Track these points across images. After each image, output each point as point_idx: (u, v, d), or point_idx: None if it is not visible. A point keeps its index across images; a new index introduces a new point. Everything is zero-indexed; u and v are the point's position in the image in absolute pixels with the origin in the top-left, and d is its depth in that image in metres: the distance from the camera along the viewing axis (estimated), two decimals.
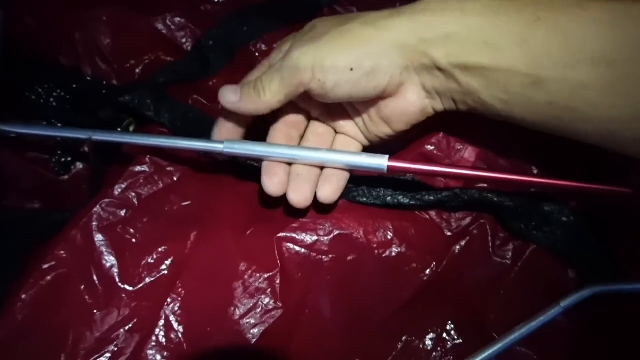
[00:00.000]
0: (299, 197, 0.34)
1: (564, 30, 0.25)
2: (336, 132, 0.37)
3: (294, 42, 0.32)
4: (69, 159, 0.44)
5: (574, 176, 0.32)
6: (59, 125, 0.42)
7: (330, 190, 0.35)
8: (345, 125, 0.36)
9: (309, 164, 0.35)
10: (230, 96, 0.33)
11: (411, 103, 0.32)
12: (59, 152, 0.43)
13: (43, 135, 0.37)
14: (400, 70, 0.30)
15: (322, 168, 0.35)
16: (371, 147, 0.37)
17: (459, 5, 0.28)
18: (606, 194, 0.32)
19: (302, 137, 0.37)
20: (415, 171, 0.33)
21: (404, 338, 0.36)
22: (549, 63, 0.26)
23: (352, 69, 0.29)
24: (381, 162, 0.33)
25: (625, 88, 0.25)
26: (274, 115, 0.36)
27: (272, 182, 0.34)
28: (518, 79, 0.27)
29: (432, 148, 0.38)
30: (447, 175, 0.34)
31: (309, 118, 0.37)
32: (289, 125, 0.36)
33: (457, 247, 0.37)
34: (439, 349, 0.36)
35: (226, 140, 0.34)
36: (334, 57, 0.30)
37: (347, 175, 0.36)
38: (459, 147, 0.37)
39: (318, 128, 0.37)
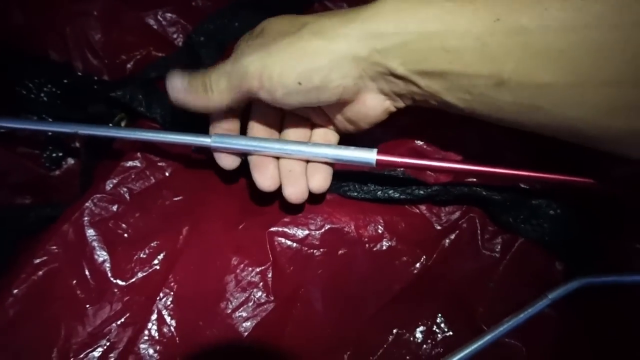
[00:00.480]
0: (297, 193, 0.34)
1: (524, 29, 0.25)
2: (312, 123, 0.36)
3: (245, 45, 0.31)
4: (60, 154, 0.44)
5: (561, 167, 0.32)
6: (49, 120, 0.41)
7: (320, 179, 0.34)
8: (317, 118, 0.35)
9: (298, 158, 0.35)
10: (177, 83, 0.32)
11: (371, 107, 0.32)
12: (50, 147, 0.43)
13: (29, 129, 0.37)
14: (353, 80, 0.29)
15: (307, 161, 0.35)
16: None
17: (413, 10, 0.27)
18: (569, 184, 0.33)
19: (281, 129, 0.37)
20: (404, 165, 0.33)
21: (394, 330, 0.37)
22: (511, 64, 0.25)
23: (300, 83, 0.29)
24: (370, 155, 0.33)
25: (589, 87, 0.24)
26: (249, 109, 0.36)
27: (265, 177, 0.34)
28: (480, 81, 0.26)
29: (422, 143, 0.38)
30: (436, 169, 0.35)
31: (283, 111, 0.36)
32: (266, 118, 0.36)
33: (447, 240, 0.38)
34: (429, 341, 0.37)
35: (214, 135, 0.34)
36: (281, 69, 0.28)
37: (331, 166, 0.36)
38: (447, 143, 0.38)
39: (294, 119, 0.36)
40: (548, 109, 0.26)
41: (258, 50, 0.29)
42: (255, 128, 0.35)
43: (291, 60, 0.28)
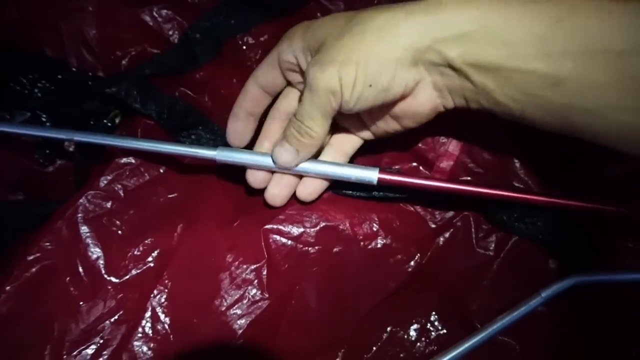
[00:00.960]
0: (276, 198, 0.35)
1: (586, 31, 0.25)
2: (337, 125, 0.36)
3: (312, 63, 0.30)
4: (54, 151, 0.43)
5: (555, 168, 0.32)
6: (44, 116, 0.41)
7: (312, 189, 0.36)
8: (349, 119, 0.35)
9: (300, 175, 0.35)
10: (287, 157, 0.33)
11: (422, 103, 0.32)
12: (44, 145, 0.43)
13: (24, 134, 0.37)
14: (412, 74, 0.29)
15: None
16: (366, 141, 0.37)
17: (476, 3, 0.27)
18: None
19: None
20: (405, 184, 0.34)
21: (388, 328, 0.37)
22: (570, 64, 0.25)
23: (370, 85, 0.29)
24: (372, 175, 0.33)
25: None
26: (272, 105, 0.36)
27: (255, 179, 0.35)
28: (537, 80, 0.26)
29: (418, 142, 0.38)
30: (435, 190, 0.34)
31: None
32: (285, 113, 0.36)
33: (441, 238, 0.38)
34: (423, 338, 0.37)
35: (219, 148, 0.34)
36: (353, 76, 0.29)
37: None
38: (443, 140, 0.38)
39: None
40: (600, 113, 0.26)
41: (329, 65, 0.29)
42: (271, 130, 0.36)
43: (361, 64, 0.28)
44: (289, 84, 0.36)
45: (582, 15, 0.25)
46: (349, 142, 0.37)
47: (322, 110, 0.31)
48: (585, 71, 0.25)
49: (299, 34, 0.33)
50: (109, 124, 0.41)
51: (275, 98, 0.37)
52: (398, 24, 0.28)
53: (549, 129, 0.29)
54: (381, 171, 0.34)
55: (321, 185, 0.36)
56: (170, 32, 0.44)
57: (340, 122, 0.36)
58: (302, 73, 0.33)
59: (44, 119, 0.41)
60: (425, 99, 0.31)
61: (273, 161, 0.33)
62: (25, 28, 0.41)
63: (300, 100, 0.32)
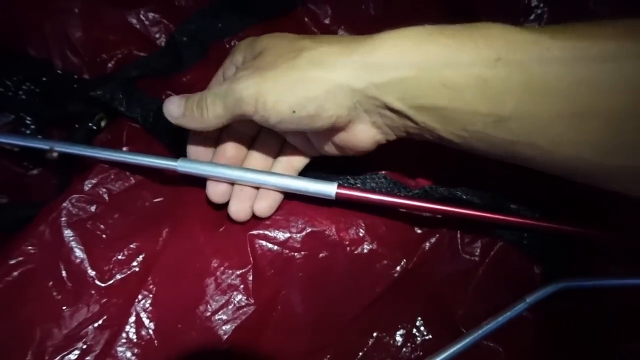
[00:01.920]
0: (240, 211, 0.36)
1: (526, 69, 0.25)
2: (285, 141, 0.36)
3: (241, 67, 0.31)
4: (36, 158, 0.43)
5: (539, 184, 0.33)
6: (28, 119, 0.41)
7: (266, 205, 0.36)
8: (296, 139, 0.35)
9: (258, 187, 0.36)
10: (173, 109, 0.32)
11: (360, 139, 0.31)
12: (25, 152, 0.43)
13: (4, 144, 0.37)
14: (347, 111, 0.29)
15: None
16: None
17: (413, 46, 0.27)
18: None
19: (252, 142, 0.37)
20: (363, 199, 0.34)
21: (374, 334, 0.37)
22: (511, 102, 0.25)
23: (294, 111, 0.28)
24: (330, 189, 0.34)
25: (588, 125, 0.25)
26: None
27: (215, 191, 0.36)
28: (479, 118, 0.26)
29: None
30: (395, 206, 0.35)
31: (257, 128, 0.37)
32: (239, 134, 0.36)
33: (427, 244, 0.38)
34: (408, 344, 0.37)
35: (180, 159, 0.35)
36: (276, 97, 0.28)
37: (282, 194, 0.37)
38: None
39: (266, 137, 0.37)
40: (546, 147, 0.26)
41: (254, 75, 0.29)
42: (225, 145, 0.36)
43: (286, 87, 0.28)
44: None
45: (520, 52, 0.25)
46: (297, 159, 0.37)
47: (225, 107, 0.30)
48: (526, 109, 0.25)
49: (240, 49, 0.34)
50: (94, 127, 0.40)
51: None
52: (333, 60, 0.28)
53: (498, 159, 0.29)
54: (339, 186, 0.34)
55: (277, 200, 0.36)
56: (157, 35, 0.43)
57: (288, 139, 0.36)
58: None
59: (28, 122, 0.41)
60: (363, 135, 0.31)
61: (164, 111, 0.33)
62: (9, 29, 0.41)
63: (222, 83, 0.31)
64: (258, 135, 0.37)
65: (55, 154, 0.36)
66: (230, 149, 0.36)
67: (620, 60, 0.23)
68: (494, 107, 0.26)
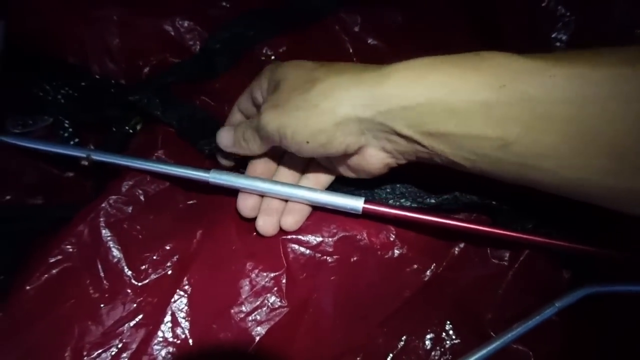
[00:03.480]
0: (267, 226, 0.37)
1: (530, 96, 0.25)
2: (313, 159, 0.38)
3: (265, 99, 0.34)
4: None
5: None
6: (66, 122, 0.42)
7: (292, 220, 0.37)
8: (320, 158, 0.37)
9: (287, 200, 0.37)
10: (225, 141, 0.37)
11: (371, 163, 0.33)
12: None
13: (43, 150, 0.38)
14: (356, 138, 0.31)
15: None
16: None
17: (419, 76, 0.28)
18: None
19: (280, 158, 0.39)
20: (390, 215, 0.35)
21: (403, 337, 0.37)
22: (516, 127, 0.26)
23: (308, 142, 0.30)
24: (357, 204, 0.35)
25: (593, 149, 0.25)
26: None
27: (246, 205, 0.37)
28: (486, 143, 0.27)
29: None
30: (420, 223, 0.36)
31: None
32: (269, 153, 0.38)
33: (456, 249, 0.39)
34: (437, 347, 0.37)
35: (212, 170, 0.36)
36: (293, 130, 0.30)
37: (310, 208, 0.38)
38: None
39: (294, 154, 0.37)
40: (552, 171, 0.27)
41: (273, 109, 0.31)
42: (258, 161, 0.38)
43: (300, 122, 0.30)
44: None
45: (524, 79, 0.25)
46: (323, 176, 0.38)
47: (261, 140, 0.34)
48: (532, 134, 0.26)
49: (266, 75, 0.36)
50: (130, 131, 0.41)
51: None
52: (342, 93, 0.29)
53: (508, 182, 0.30)
54: (366, 201, 0.35)
55: (304, 214, 0.37)
56: (191, 43, 0.45)
57: (318, 160, 0.37)
58: None
59: (66, 125, 0.42)
60: (373, 159, 0.32)
61: (217, 142, 0.37)
62: (50, 36, 0.42)
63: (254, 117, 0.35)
64: (286, 152, 0.38)
65: (86, 162, 0.37)
66: (261, 165, 0.38)
67: (621, 85, 0.24)
68: (500, 132, 0.26)
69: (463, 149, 0.28)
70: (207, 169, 0.36)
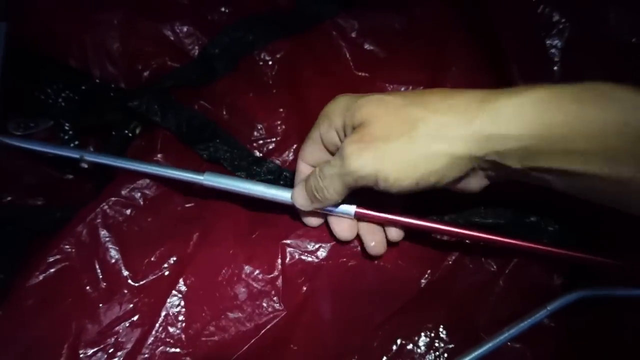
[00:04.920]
0: (380, 248, 0.36)
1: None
2: None
3: (348, 139, 0.30)
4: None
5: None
6: (67, 125, 0.42)
7: (397, 231, 0.36)
8: None
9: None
10: (302, 202, 0.34)
11: (471, 187, 0.32)
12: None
13: (42, 152, 0.39)
14: (465, 171, 0.29)
15: None
16: None
17: (536, 114, 0.26)
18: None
19: None
20: (382, 219, 0.35)
21: (398, 340, 0.38)
22: (635, 166, 0.25)
23: (417, 184, 0.29)
24: (349, 209, 0.35)
25: None
26: None
27: (343, 229, 0.36)
28: (597, 180, 0.26)
29: None
30: (412, 228, 0.36)
31: None
32: None
33: (452, 257, 0.39)
34: (431, 351, 0.38)
35: (206, 173, 0.36)
36: (397, 174, 0.28)
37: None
38: None
39: None
40: None
41: (368, 150, 0.29)
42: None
43: (408, 166, 0.28)
44: None
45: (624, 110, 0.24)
46: None
47: (344, 184, 0.31)
48: None
49: (338, 113, 0.32)
50: (130, 134, 0.42)
51: None
52: (453, 133, 0.28)
53: (602, 204, 0.29)
54: (359, 206, 0.35)
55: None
56: (190, 47, 0.45)
57: None
58: None
59: (66, 128, 0.42)
60: (474, 185, 0.32)
61: (295, 205, 0.35)
62: (51, 39, 0.43)
63: (330, 161, 0.32)
64: None
65: (85, 164, 0.38)
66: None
67: None
68: (616, 171, 0.25)
69: (571, 181, 0.27)
70: (202, 171, 0.37)
